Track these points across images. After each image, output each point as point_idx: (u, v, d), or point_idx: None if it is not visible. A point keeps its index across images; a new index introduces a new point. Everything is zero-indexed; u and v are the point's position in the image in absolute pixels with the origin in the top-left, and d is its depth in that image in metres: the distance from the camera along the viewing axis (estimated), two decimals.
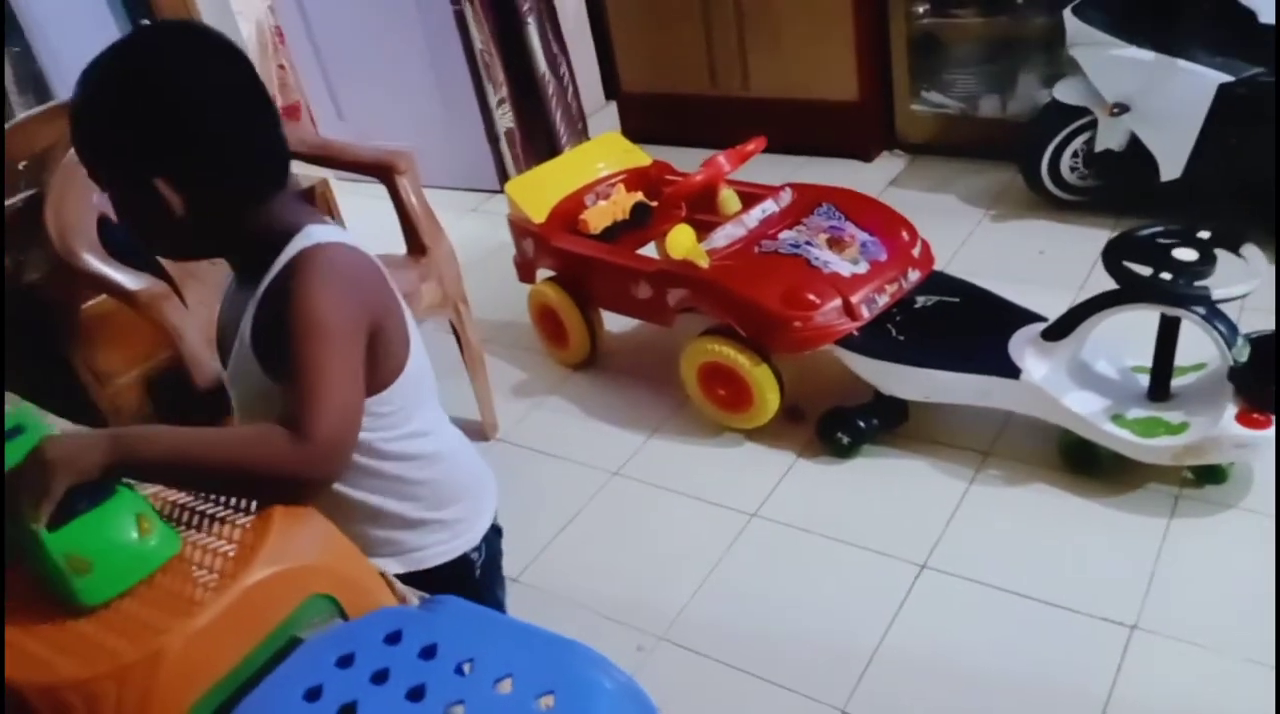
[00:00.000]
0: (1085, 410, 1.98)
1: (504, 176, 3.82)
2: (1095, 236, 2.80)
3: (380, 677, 0.86)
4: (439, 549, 1.25)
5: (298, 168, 2.55)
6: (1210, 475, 1.98)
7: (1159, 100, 2.66)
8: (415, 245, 2.34)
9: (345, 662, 0.88)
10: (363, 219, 2.66)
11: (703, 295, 2.27)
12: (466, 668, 0.85)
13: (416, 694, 0.84)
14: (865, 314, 2.15)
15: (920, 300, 2.27)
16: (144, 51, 1.03)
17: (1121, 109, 2.75)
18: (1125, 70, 2.69)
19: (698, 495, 2.25)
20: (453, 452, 1.28)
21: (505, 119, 3.66)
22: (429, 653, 0.88)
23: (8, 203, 2.37)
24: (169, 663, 0.87)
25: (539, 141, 3.64)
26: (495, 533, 1.35)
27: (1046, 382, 2.00)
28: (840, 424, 2.24)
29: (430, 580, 1.18)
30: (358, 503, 1.19)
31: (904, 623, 1.85)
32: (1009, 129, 3.36)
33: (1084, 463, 2.06)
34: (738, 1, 3.67)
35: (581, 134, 3.90)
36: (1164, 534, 1.93)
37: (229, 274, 1.20)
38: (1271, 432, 1.81)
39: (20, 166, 2.53)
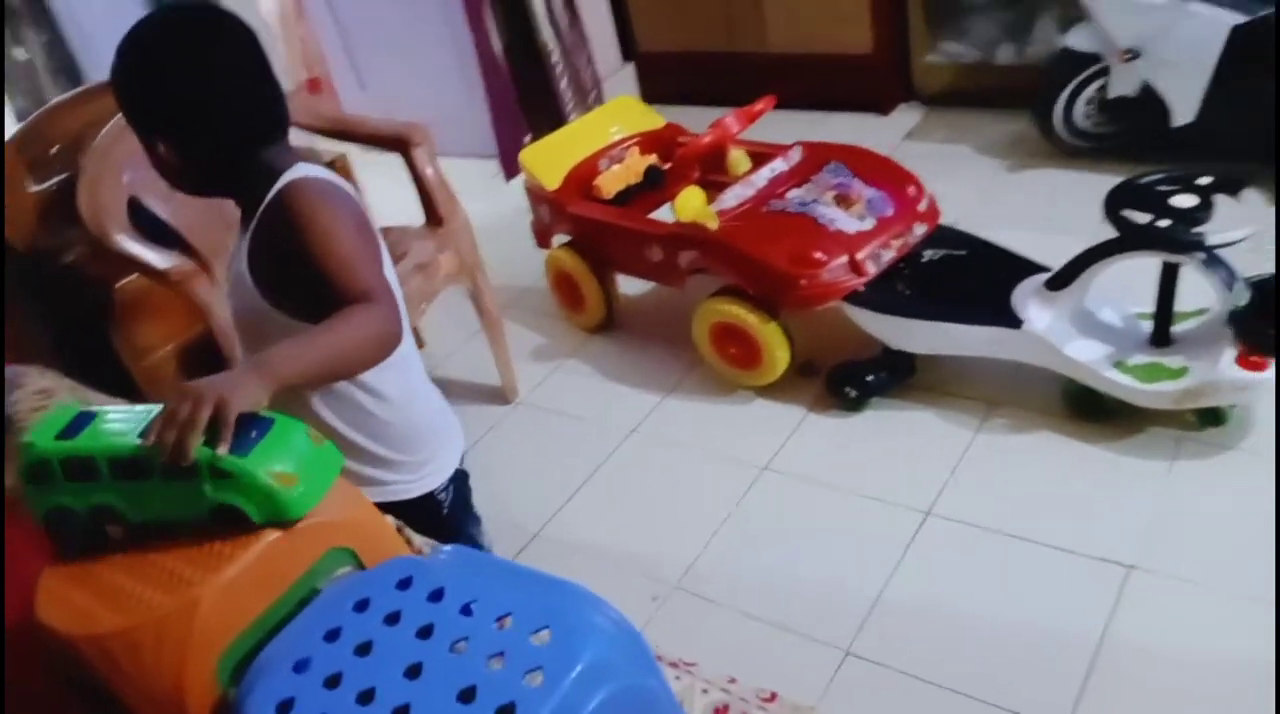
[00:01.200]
0: (1087, 358, 2.02)
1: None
2: (1109, 184, 2.79)
3: (393, 618, 0.94)
4: (404, 486, 1.38)
5: (318, 142, 2.64)
6: (1211, 418, 2.01)
7: (1171, 44, 2.65)
8: (432, 216, 2.42)
9: (361, 606, 0.97)
10: (382, 193, 2.74)
11: (712, 256, 2.33)
12: (471, 609, 0.94)
13: (425, 633, 0.93)
14: (871, 270, 2.20)
15: (927, 254, 2.31)
16: (147, 35, 1.19)
17: (1133, 54, 2.74)
18: (1137, 15, 2.68)
19: (711, 451, 2.32)
20: (424, 398, 1.41)
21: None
22: (437, 596, 0.96)
23: (43, 187, 2.47)
24: (202, 613, 0.96)
25: (541, 111, 3.67)
26: (462, 476, 1.48)
27: (1049, 331, 2.04)
28: (848, 378, 2.29)
29: (400, 514, 1.30)
30: (333, 431, 1.30)
31: (907, 568, 1.92)
32: (1027, 76, 3.34)
33: (1088, 410, 2.10)
34: None
35: (596, 100, 3.93)
36: (1166, 477, 1.97)
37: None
38: (1270, 374, 1.84)
39: (53, 151, 2.63)
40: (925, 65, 3.68)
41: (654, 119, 2.97)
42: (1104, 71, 2.88)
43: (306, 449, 1.02)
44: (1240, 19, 2.55)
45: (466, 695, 0.86)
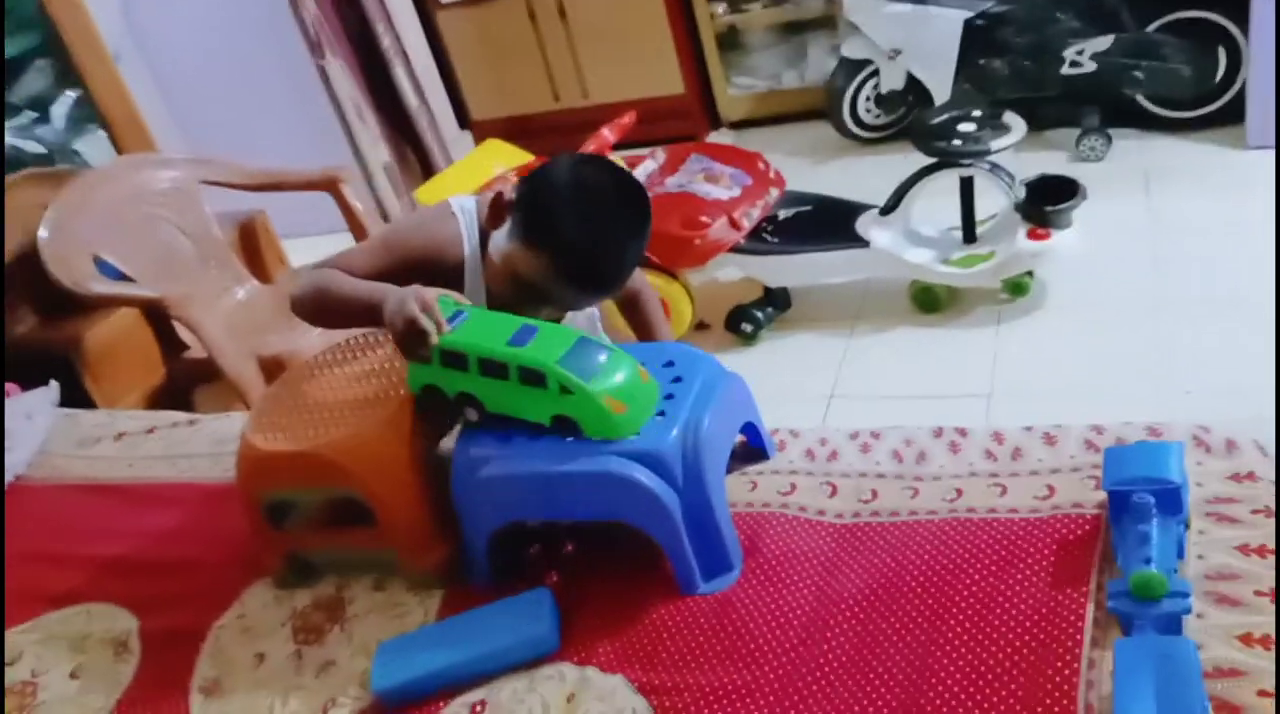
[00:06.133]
0: (922, 260, 2.62)
1: (382, 211, 4.22)
2: (897, 160, 3.48)
3: None
4: None
5: (238, 200, 2.93)
6: (1017, 290, 2.65)
7: (922, 41, 3.40)
8: None
9: None
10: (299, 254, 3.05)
11: None
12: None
13: None
14: (746, 225, 2.72)
15: (782, 214, 2.87)
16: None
17: (896, 53, 3.46)
18: (893, 22, 3.41)
19: None
20: None
21: (381, 155, 4.08)
22: None
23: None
24: None
25: (415, 169, 4.09)
26: None
27: (890, 245, 2.63)
28: (743, 318, 2.80)
29: None
30: None
31: None
32: (810, 95, 4.06)
33: (928, 303, 2.70)
34: (567, 24, 4.25)
35: (449, 159, 4.35)
36: (995, 337, 2.59)
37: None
38: (1052, 242, 2.48)
39: None
40: (727, 98, 4.34)
41: (523, 155, 3.42)
42: (876, 72, 3.60)
43: (636, 383, 1.21)
44: (969, 13, 3.32)
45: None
